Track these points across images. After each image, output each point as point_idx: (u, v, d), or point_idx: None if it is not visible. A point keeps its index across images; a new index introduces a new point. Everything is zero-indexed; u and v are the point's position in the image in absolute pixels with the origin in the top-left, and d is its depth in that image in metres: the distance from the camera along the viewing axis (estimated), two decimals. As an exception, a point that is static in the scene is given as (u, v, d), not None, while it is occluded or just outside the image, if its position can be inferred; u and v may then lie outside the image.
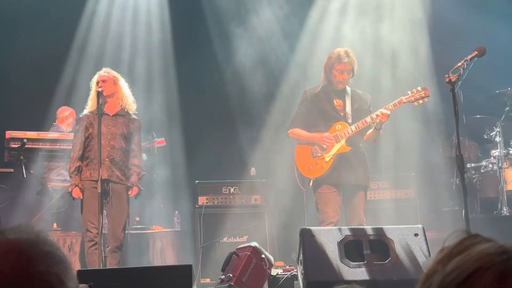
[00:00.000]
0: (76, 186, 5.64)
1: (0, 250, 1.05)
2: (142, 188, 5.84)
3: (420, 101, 5.43)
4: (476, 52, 4.59)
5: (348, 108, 5.64)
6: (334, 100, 5.67)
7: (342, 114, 5.63)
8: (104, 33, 8.64)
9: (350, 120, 5.59)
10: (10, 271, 1.02)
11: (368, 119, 5.45)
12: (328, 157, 5.54)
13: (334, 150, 5.53)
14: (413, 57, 8.04)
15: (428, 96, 5.43)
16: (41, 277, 1.05)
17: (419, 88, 5.45)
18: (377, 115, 5.40)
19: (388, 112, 5.35)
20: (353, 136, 5.55)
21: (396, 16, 8.20)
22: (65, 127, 7.61)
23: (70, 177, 5.76)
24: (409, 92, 5.43)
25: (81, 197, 5.63)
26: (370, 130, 5.56)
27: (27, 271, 1.04)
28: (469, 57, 4.55)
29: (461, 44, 6.92)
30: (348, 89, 5.72)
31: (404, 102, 5.39)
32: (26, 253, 1.06)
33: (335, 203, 5.50)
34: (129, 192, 5.74)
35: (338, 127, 5.59)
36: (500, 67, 7.70)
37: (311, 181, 5.59)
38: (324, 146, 5.55)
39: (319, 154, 5.58)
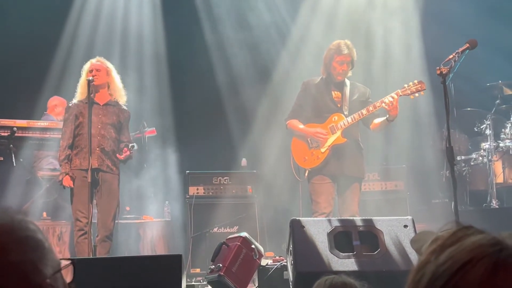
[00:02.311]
0: (66, 174, 5.61)
1: None
2: (132, 155, 5.76)
3: (416, 94, 5.44)
4: (468, 45, 4.59)
5: (346, 100, 5.67)
6: (332, 92, 5.70)
7: (339, 105, 5.66)
8: (95, 21, 8.58)
9: (347, 112, 5.63)
10: None
11: (364, 111, 5.48)
12: (323, 148, 5.57)
13: (329, 142, 5.58)
14: (405, 49, 8.05)
15: (424, 89, 5.44)
16: (13, 266, 1.01)
17: (415, 81, 5.45)
18: (374, 106, 5.43)
19: (391, 99, 5.33)
20: (350, 128, 5.58)
21: (388, 8, 8.20)
22: (55, 116, 7.56)
23: (60, 165, 5.73)
24: (405, 85, 5.43)
25: (72, 186, 5.60)
26: (379, 120, 5.60)
27: None
28: (461, 49, 4.56)
29: (452, 36, 6.93)
30: (347, 81, 5.75)
31: (400, 95, 5.40)
32: None
33: (328, 194, 5.55)
34: (118, 155, 5.66)
35: (334, 119, 5.62)
36: (491, 60, 7.71)
37: (307, 171, 5.63)
38: (318, 140, 5.58)
39: (315, 145, 5.61)
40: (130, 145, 5.75)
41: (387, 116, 5.46)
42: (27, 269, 1.02)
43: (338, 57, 5.57)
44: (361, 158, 5.72)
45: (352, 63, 5.64)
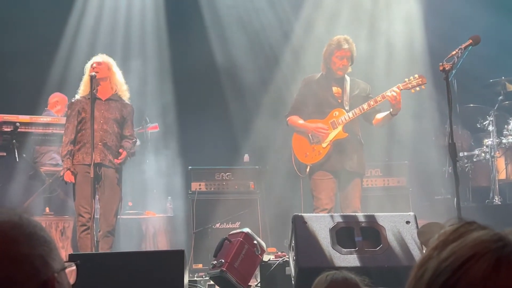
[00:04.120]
0: (67, 169, 5.63)
1: None
2: (131, 153, 5.82)
3: (417, 88, 5.44)
4: (471, 41, 4.58)
5: (347, 96, 5.66)
6: (333, 88, 5.69)
7: (340, 101, 5.65)
8: (98, 17, 8.58)
9: (347, 107, 5.61)
10: None
11: (365, 105, 5.48)
12: (325, 143, 5.56)
13: (331, 137, 5.56)
14: (408, 45, 8.03)
15: (425, 83, 5.44)
16: (24, 259, 1.04)
17: (416, 75, 5.45)
18: (375, 100, 5.43)
19: (394, 93, 5.32)
20: (351, 123, 5.57)
21: (392, 4, 8.19)
22: (55, 113, 7.58)
23: (62, 160, 5.76)
24: (406, 80, 5.44)
25: (73, 181, 5.62)
26: (382, 115, 5.58)
27: (9, 253, 1.03)
28: (464, 45, 4.55)
29: (455, 32, 6.92)
30: (347, 77, 5.74)
31: (401, 89, 5.39)
32: (9, 235, 1.05)
33: (329, 189, 5.53)
34: (115, 160, 5.69)
35: (335, 114, 5.61)
36: (494, 56, 7.70)
37: (308, 167, 5.62)
38: (319, 136, 5.56)
39: (316, 141, 5.60)
40: (127, 144, 5.77)
41: (391, 110, 5.46)
42: (36, 262, 1.06)
43: (338, 52, 5.56)
44: (361, 153, 5.71)
45: (352, 58, 5.63)
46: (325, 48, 5.69)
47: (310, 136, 5.65)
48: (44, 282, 1.06)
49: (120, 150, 5.73)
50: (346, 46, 5.55)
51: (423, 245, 3.89)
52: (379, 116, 5.62)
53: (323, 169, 5.57)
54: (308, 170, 5.63)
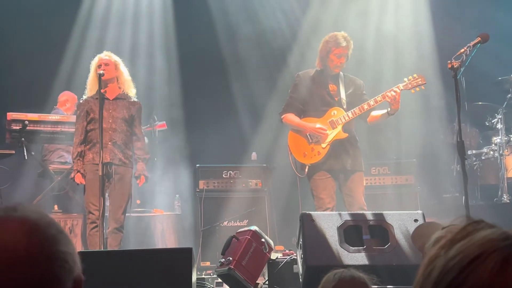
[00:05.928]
0: (78, 171, 5.66)
1: (23, 228, 1.02)
2: (148, 175, 5.93)
3: (417, 89, 5.39)
4: (479, 38, 4.57)
5: (343, 93, 5.57)
6: (329, 85, 5.61)
7: (336, 99, 5.56)
8: (106, 15, 8.60)
9: (345, 106, 5.52)
10: (36, 251, 1.01)
11: (365, 105, 5.40)
12: (324, 143, 5.48)
13: (330, 137, 5.47)
14: (416, 43, 8.01)
15: (425, 83, 5.39)
16: (63, 257, 1.04)
17: (415, 75, 5.39)
18: (375, 100, 5.37)
19: (394, 94, 5.28)
20: (347, 121, 5.50)
21: (399, 1, 8.17)
22: (64, 111, 7.61)
23: (73, 162, 5.80)
24: (406, 79, 5.38)
25: (83, 183, 5.66)
26: (378, 113, 5.50)
27: (51, 251, 1.03)
28: (472, 43, 4.54)
29: (464, 30, 6.90)
30: (341, 74, 5.65)
31: (401, 90, 5.34)
32: (48, 233, 1.04)
33: (330, 188, 5.47)
34: (138, 182, 5.84)
35: (333, 113, 5.52)
36: (503, 54, 7.67)
37: (307, 167, 5.55)
38: (318, 136, 5.49)
39: (315, 140, 5.51)
40: (147, 157, 5.98)
41: (389, 109, 5.38)
42: (70, 260, 1.06)
43: (336, 49, 5.46)
44: (358, 149, 5.60)
45: (348, 56, 5.56)
46: (321, 44, 5.57)
47: (309, 136, 5.54)
48: (76, 279, 1.06)
49: (136, 173, 5.86)
50: (344, 44, 5.44)
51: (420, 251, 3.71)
52: (375, 113, 5.53)
53: (323, 169, 5.48)
54: (307, 170, 5.55)
